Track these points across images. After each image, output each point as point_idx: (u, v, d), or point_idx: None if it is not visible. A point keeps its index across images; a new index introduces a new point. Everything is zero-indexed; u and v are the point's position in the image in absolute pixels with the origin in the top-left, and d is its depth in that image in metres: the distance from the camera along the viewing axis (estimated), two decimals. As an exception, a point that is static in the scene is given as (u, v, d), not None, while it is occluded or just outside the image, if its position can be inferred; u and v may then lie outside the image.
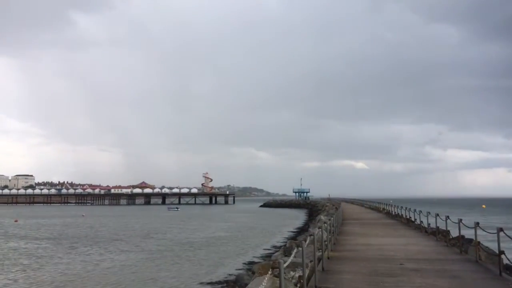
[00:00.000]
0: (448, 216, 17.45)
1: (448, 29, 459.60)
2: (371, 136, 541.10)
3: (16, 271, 21.86)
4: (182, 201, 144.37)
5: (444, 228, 17.95)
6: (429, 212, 21.80)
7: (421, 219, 23.68)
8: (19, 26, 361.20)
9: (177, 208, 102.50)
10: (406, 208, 30.31)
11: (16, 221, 60.82)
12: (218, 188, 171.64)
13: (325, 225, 15.16)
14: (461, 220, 15.25)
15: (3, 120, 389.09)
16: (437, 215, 19.22)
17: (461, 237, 15.29)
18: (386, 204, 43.03)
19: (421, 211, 24.51)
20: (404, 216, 30.18)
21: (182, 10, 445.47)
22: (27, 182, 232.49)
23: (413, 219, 26.99)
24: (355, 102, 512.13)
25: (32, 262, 24.43)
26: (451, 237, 17.17)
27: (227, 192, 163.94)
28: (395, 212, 35.21)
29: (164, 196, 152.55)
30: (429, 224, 21.20)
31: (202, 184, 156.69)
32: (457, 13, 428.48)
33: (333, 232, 17.10)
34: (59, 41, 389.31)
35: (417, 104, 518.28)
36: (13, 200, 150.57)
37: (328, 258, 13.23)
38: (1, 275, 20.82)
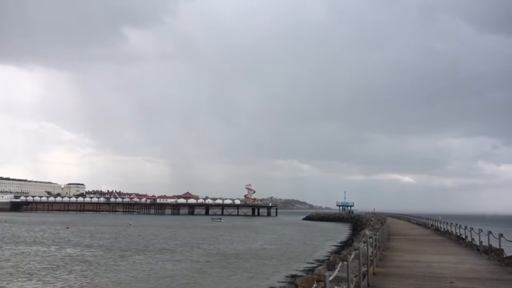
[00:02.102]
0: (501, 234, 16.70)
1: (503, 40, 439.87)
2: (418, 150, 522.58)
3: (71, 277, 22.83)
4: (225, 212, 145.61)
5: (497, 247, 17.17)
6: (481, 229, 20.91)
7: (473, 237, 22.73)
8: (74, 40, 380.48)
9: (220, 219, 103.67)
10: (456, 224, 29.18)
11: (67, 228, 63.59)
12: (261, 200, 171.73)
13: (370, 240, 14.93)
14: (516, 238, 14.57)
15: (58, 131, 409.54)
16: (490, 232, 18.41)
17: (516, 257, 14.60)
18: (435, 220, 41.59)
19: (472, 228, 23.55)
20: (454, 233, 29.06)
21: (228, 24, 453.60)
22: (78, 191, 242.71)
23: (463, 236, 25.95)
24: (402, 114, 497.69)
25: (86, 269, 25.42)
26: (504, 256, 16.41)
27: (270, 204, 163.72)
28: (444, 229, 33.95)
29: (207, 207, 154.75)
30: (481, 242, 20.33)
31: (245, 196, 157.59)
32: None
33: (378, 247, 16.77)
34: (111, 55, 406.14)
35: (469, 116, 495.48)
36: (65, 207, 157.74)
37: (374, 273, 13.00)
38: (57, 281, 21.81)
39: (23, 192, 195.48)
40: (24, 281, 21.46)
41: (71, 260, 28.91)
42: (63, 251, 34.14)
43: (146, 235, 52.03)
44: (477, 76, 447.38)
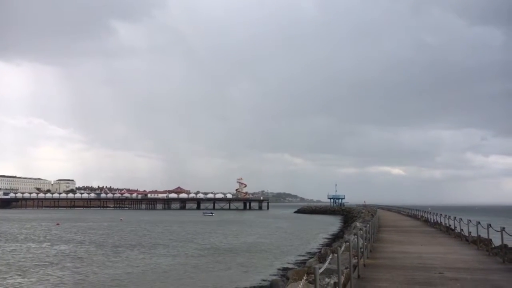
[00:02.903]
0: (490, 224, 16.94)
1: (492, 32, 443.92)
2: (409, 142, 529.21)
3: (64, 274, 22.74)
4: (216, 206, 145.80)
5: (486, 237, 17.43)
6: (469, 220, 21.21)
7: (461, 227, 23.05)
8: (62, 34, 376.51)
9: (212, 213, 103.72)
10: (445, 215, 29.55)
11: (57, 224, 63.17)
12: (253, 194, 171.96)
13: (361, 232, 15.07)
14: (503, 228, 14.80)
15: (46, 126, 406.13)
16: (478, 223, 18.69)
17: (504, 246, 14.82)
18: (424, 212, 42.04)
19: (461, 219, 23.87)
20: (443, 224, 29.42)
21: (219, 19, 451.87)
22: (68, 187, 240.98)
23: (453, 227, 26.28)
24: (393, 107, 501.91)
25: (79, 265, 25.33)
26: (493, 246, 16.66)
27: (261, 198, 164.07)
28: (434, 220, 34.35)
29: (199, 201, 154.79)
30: (470, 232, 20.62)
31: (236, 190, 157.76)
32: (502, 15, 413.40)
33: (369, 239, 16.94)
34: (100, 49, 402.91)
35: (459, 108, 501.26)
36: (55, 203, 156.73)
37: (364, 265, 13.16)
38: (50, 278, 21.71)
39: (12, 189, 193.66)
40: (17, 278, 21.33)
41: (64, 257, 28.78)
42: (56, 248, 33.96)
43: (138, 231, 51.92)
44: (467, 69, 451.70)
